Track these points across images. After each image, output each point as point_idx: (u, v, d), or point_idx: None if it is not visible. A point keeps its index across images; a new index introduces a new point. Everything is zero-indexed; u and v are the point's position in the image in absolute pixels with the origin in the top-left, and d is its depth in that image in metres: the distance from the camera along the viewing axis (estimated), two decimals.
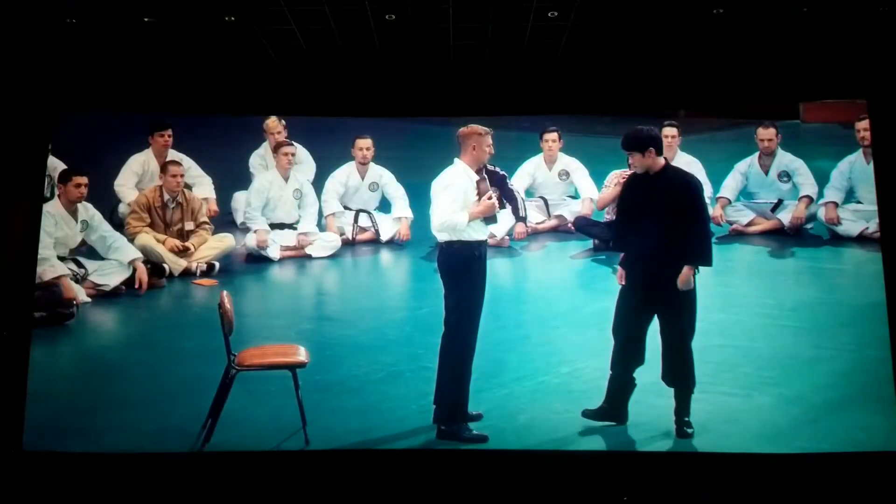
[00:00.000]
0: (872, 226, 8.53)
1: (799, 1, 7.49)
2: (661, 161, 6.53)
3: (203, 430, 6.85)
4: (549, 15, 7.53)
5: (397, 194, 8.78)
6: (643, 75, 8.53)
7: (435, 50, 8.24)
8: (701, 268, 6.42)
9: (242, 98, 8.61)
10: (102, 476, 7.20)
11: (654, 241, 6.42)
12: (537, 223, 8.85)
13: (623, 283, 6.70)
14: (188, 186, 8.62)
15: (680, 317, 6.38)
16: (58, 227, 7.88)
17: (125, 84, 8.45)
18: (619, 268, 6.92)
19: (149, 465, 7.29)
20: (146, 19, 7.57)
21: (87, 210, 7.98)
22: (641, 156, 6.43)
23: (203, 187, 8.74)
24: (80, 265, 7.88)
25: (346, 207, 8.87)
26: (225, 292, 6.79)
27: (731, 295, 8.23)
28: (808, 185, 8.69)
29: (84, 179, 7.93)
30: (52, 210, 7.87)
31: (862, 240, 8.63)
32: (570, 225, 8.60)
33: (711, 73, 8.44)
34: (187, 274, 8.26)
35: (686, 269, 6.29)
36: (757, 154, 8.91)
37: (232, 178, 9.07)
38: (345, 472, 7.24)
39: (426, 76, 8.57)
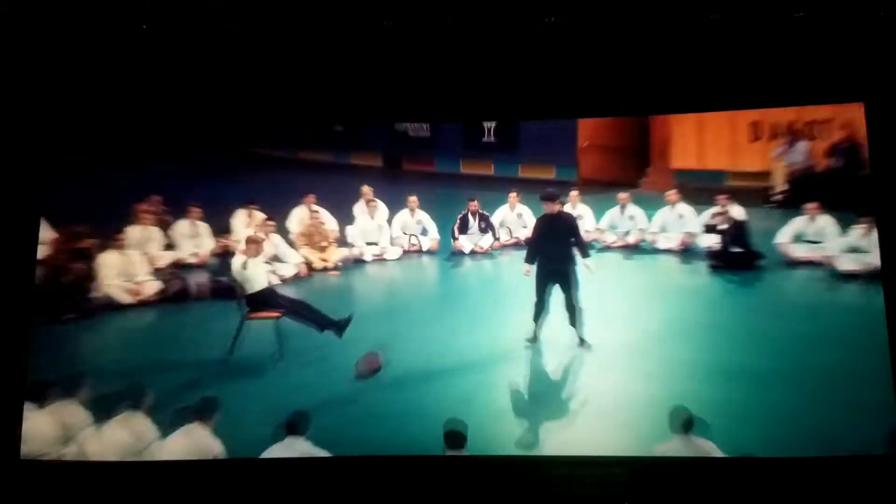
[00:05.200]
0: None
1: (794, 6, 7.92)
2: (559, 206, 9.74)
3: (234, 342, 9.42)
4: (547, 21, 8.09)
5: (430, 225, 12.84)
6: (639, 81, 8.80)
7: (432, 57, 8.61)
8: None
9: (241, 105, 9.56)
10: (98, 485, 7.61)
11: (561, 249, 9.60)
12: (505, 241, 12.90)
13: (529, 274, 9.66)
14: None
15: (572, 287, 9.56)
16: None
17: (122, 91, 9.24)
18: (526, 265, 9.77)
19: (144, 474, 7.74)
20: (144, 26, 8.53)
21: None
22: (552, 203, 9.61)
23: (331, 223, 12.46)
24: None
25: (403, 233, 12.90)
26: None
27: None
28: None
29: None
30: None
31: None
32: (523, 241, 11.83)
33: (707, 79, 8.67)
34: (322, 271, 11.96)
35: (584, 259, 9.59)
36: None
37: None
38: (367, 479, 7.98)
39: (423, 83, 8.95)
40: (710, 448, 7.20)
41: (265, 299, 9.89)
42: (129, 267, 10.82)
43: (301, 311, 10.03)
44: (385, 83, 8.92)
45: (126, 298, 10.63)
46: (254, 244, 10.14)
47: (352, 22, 8.20)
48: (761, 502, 7.42)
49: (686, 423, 7.27)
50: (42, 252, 10.48)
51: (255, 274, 10.00)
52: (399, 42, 8.40)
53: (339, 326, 9.78)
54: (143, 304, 10.69)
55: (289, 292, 11.24)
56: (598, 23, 8.11)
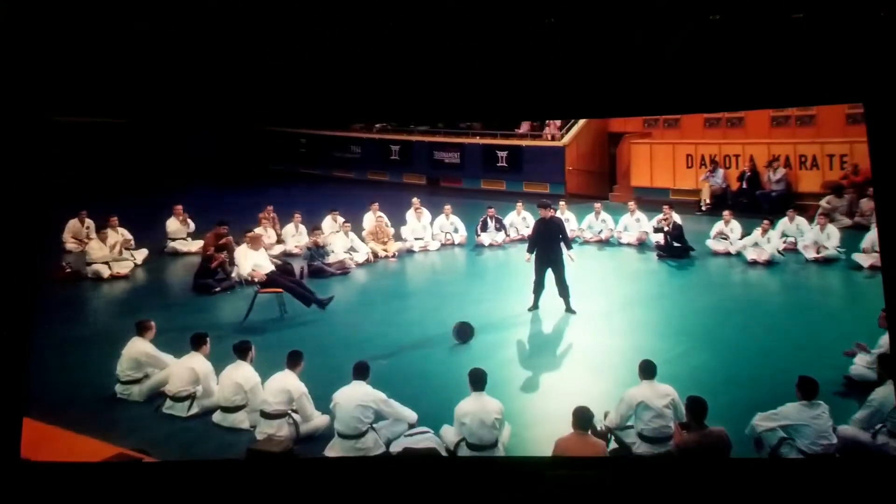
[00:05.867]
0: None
1: (794, 7, 6.52)
2: (552, 212, 9.59)
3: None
4: (547, 22, 6.62)
5: (460, 225, 13.12)
6: (639, 82, 7.12)
7: (434, 59, 7.07)
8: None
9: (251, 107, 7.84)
10: (98, 486, 6.21)
11: (553, 243, 9.41)
12: (513, 237, 13.05)
13: (530, 261, 9.48)
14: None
15: (560, 270, 9.39)
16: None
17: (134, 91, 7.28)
18: (527, 254, 9.56)
19: (145, 476, 6.35)
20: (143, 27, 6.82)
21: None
22: (546, 210, 9.49)
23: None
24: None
25: (441, 231, 13.10)
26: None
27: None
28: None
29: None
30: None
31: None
32: (526, 237, 11.41)
33: (707, 80, 7.01)
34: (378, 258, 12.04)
35: (569, 251, 9.37)
36: None
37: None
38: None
39: (425, 85, 7.31)
40: (669, 390, 6.52)
41: (272, 280, 9.78)
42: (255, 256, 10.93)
43: (296, 289, 9.80)
44: (385, 85, 7.37)
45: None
46: (256, 240, 10.14)
47: (351, 23, 6.85)
48: (763, 502, 6.22)
49: (651, 371, 6.60)
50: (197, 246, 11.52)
51: (262, 261, 10.00)
52: (400, 44, 7.00)
53: (322, 304, 9.64)
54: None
55: (361, 274, 11.72)
56: (599, 24, 6.75)
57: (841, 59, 6.67)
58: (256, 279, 9.75)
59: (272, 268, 10.05)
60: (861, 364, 7.24)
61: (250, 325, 9.33)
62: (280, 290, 9.78)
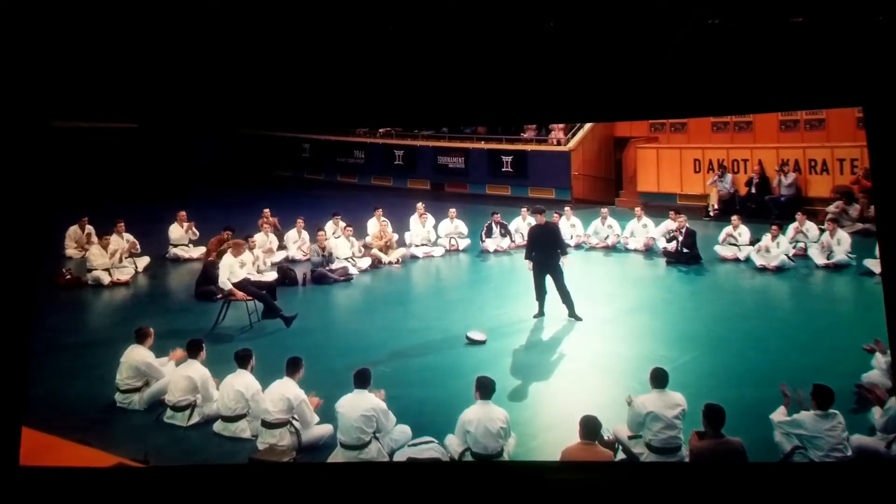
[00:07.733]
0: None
1: (793, 11, 6.50)
2: (544, 218, 9.59)
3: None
4: (546, 26, 6.56)
5: (464, 231, 13.21)
6: (639, 85, 7.02)
7: (436, 63, 7.00)
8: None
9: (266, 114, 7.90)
10: (97, 490, 6.08)
11: (548, 249, 9.33)
12: (518, 243, 12.79)
13: (531, 269, 9.41)
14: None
15: (559, 276, 9.29)
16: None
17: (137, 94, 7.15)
18: (527, 262, 9.49)
19: (147, 480, 6.26)
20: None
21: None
22: (541, 216, 9.53)
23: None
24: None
25: (445, 236, 13.12)
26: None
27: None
28: None
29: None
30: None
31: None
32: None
33: (707, 83, 6.91)
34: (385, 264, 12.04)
35: (563, 257, 9.32)
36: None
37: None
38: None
39: (428, 89, 7.25)
40: (680, 400, 6.37)
41: (242, 287, 9.62)
42: (258, 262, 10.98)
43: (265, 298, 9.57)
44: (388, 89, 7.28)
45: None
46: (237, 247, 9.99)
47: (354, 27, 6.77)
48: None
49: (663, 380, 6.43)
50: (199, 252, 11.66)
51: (238, 267, 9.82)
52: (402, 49, 6.91)
53: (287, 320, 9.35)
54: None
55: (365, 280, 11.65)
56: (598, 27, 6.68)
57: (840, 63, 6.64)
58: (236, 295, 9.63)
59: (245, 274, 9.90)
60: (877, 370, 7.12)
61: (252, 332, 9.27)
62: (250, 298, 9.61)
